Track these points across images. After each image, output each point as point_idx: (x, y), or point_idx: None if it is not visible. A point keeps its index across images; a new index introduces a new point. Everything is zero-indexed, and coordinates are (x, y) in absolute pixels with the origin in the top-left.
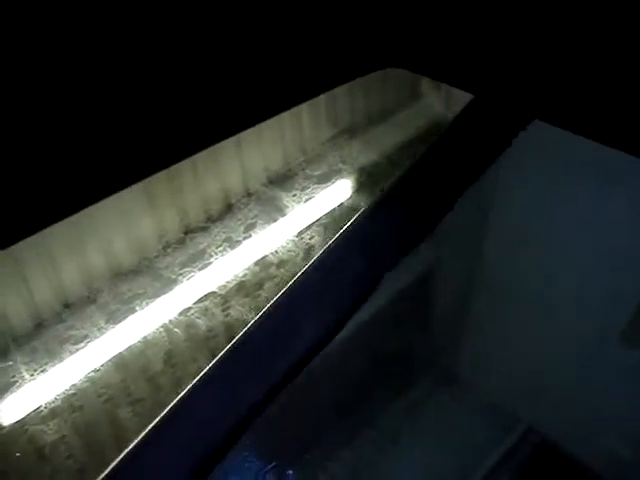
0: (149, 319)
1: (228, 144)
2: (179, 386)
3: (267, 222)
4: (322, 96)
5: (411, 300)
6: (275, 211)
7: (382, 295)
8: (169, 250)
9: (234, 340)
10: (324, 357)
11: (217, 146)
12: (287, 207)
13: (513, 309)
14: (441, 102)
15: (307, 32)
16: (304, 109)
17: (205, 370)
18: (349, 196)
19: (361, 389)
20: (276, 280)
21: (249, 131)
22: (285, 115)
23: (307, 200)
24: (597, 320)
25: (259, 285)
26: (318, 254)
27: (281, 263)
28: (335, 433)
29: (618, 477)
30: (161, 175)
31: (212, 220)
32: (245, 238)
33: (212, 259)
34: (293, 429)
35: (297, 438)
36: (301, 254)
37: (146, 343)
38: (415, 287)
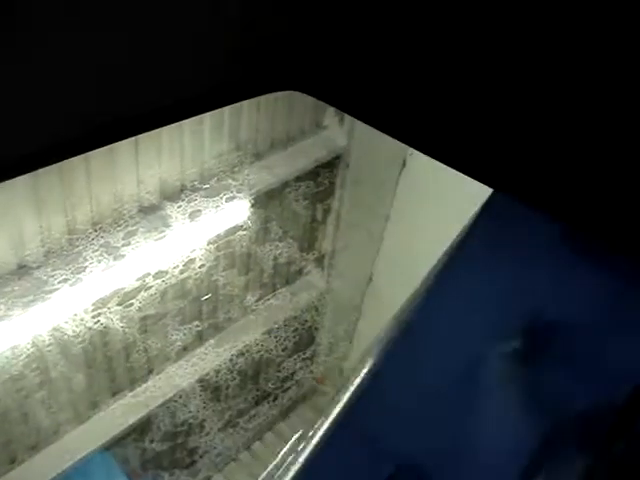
0: (15, 321)
1: (125, 150)
2: (37, 391)
3: (149, 231)
4: (227, 117)
5: (297, 329)
6: (158, 220)
7: (267, 323)
8: (46, 252)
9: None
10: (209, 380)
11: (114, 151)
12: (171, 217)
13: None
14: (344, 135)
15: (203, 43)
16: (207, 126)
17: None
18: (235, 212)
19: (243, 416)
20: (151, 291)
21: (148, 141)
22: (187, 130)
23: (192, 212)
24: None
25: (133, 294)
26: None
27: (158, 274)
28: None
29: None
30: (54, 177)
31: (94, 224)
32: (124, 245)
33: (87, 264)
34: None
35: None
36: (180, 266)
37: (10, 345)
38: (303, 317)
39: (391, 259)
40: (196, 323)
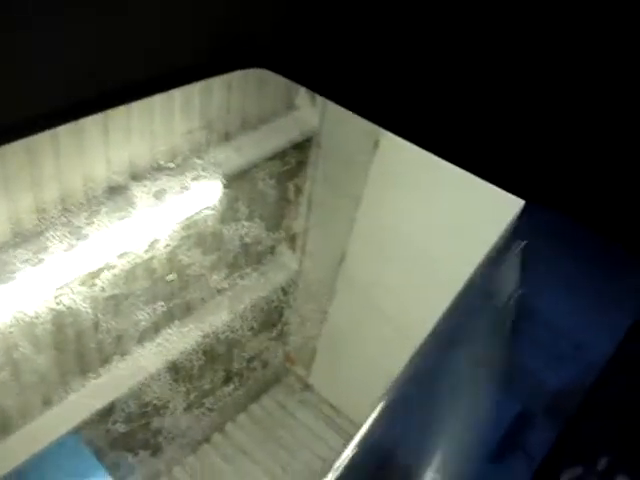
0: None
1: (94, 130)
2: None
3: (114, 211)
4: (197, 97)
5: (268, 310)
6: (124, 200)
7: (240, 304)
8: (10, 232)
9: None
10: (180, 363)
11: (82, 131)
12: (136, 197)
13: (369, 321)
14: (316, 115)
15: (173, 20)
16: (177, 106)
17: None
18: (203, 193)
19: (213, 396)
20: (115, 271)
21: (117, 121)
22: (157, 110)
23: (158, 192)
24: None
25: (97, 274)
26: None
27: (122, 254)
28: (183, 440)
29: None
30: (22, 156)
31: (59, 204)
32: (88, 225)
33: (50, 244)
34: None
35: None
36: (144, 246)
37: None
38: (272, 297)
39: (364, 239)
40: (161, 303)
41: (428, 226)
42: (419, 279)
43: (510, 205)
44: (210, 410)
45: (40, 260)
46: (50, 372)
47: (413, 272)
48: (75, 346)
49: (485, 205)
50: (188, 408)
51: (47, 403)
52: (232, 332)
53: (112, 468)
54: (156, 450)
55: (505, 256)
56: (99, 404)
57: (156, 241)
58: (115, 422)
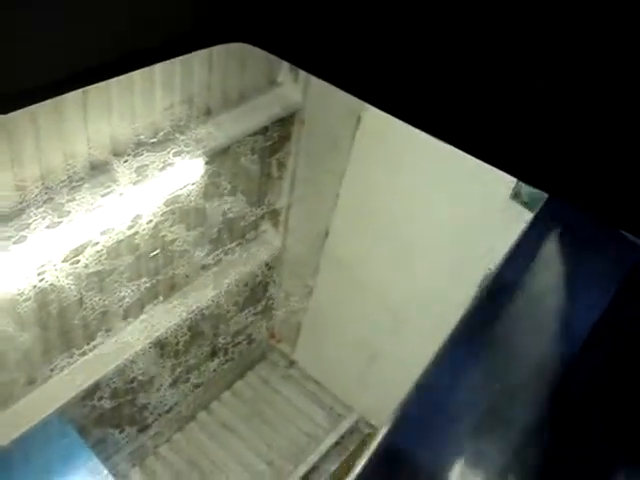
0: None
1: (74, 105)
2: None
3: (95, 187)
4: (178, 73)
5: (252, 286)
6: (105, 176)
7: (224, 280)
8: None
9: None
10: (165, 339)
11: (62, 106)
12: (118, 173)
13: (353, 298)
14: (298, 91)
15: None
16: (158, 82)
17: None
18: (184, 169)
19: (198, 371)
20: (97, 247)
21: (97, 97)
22: (138, 86)
23: (140, 168)
24: (430, 317)
25: (79, 251)
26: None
27: (105, 230)
28: (168, 418)
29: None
30: (1, 134)
31: (40, 181)
32: (69, 201)
33: (31, 221)
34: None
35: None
36: (127, 222)
37: None
38: (257, 273)
39: (347, 216)
40: (145, 280)
41: (411, 202)
42: (403, 256)
43: (495, 181)
44: (196, 386)
45: (22, 238)
46: (34, 350)
47: (397, 249)
48: (59, 323)
49: (470, 180)
50: (173, 384)
51: (31, 382)
52: (217, 308)
53: (98, 447)
54: (142, 428)
55: (526, 248)
56: (84, 382)
57: (139, 217)
58: (101, 399)
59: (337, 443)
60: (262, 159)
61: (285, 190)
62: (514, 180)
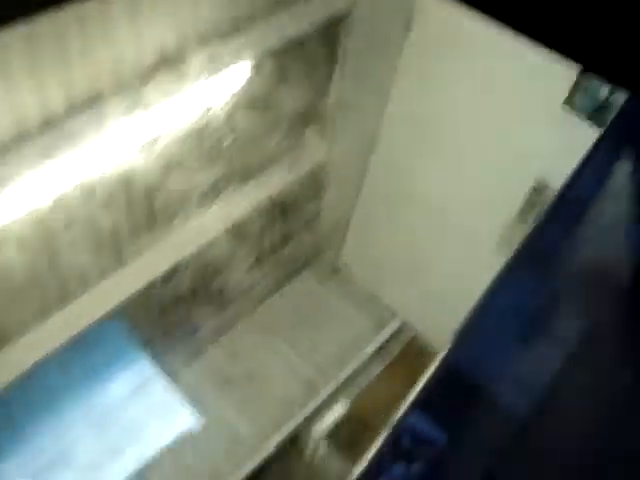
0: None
1: (121, 18)
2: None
3: (167, 79)
4: None
5: (299, 193)
6: (175, 71)
7: (272, 187)
8: (24, 137)
9: None
10: (211, 245)
11: (110, 18)
12: (188, 66)
13: (400, 206)
14: None
15: None
16: None
17: None
18: (242, 68)
19: (244, 278)
20: (172, 135)
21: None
22: None
23: (209, 57)
24: (477, 224)
25: (155, 138)
26: None
27: (177, 120)
28: (218, 320)
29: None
30: (49, 43)
31: (111, 74)
32: (144, 91)
33: (108, 110)
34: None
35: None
36: (200, 111)
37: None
38: (304, 180)
39: (398, 122)
40: (219, 167)
41: (461, 108)
42: (452, 162)
43: (548, 87)
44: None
45: (100, 125)
46: (115, 232)
47: (446, 155)
48: (138, 208)
49: (522, 85)
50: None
51: (107, 267)
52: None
53: (151, 345)
54: (196, 325)
55: (594, 167)
56: (160, 267)
57: (210, 108)
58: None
59: (381, 348)
60: (313, 61)
61: (335, 92)
62: (567, 87)
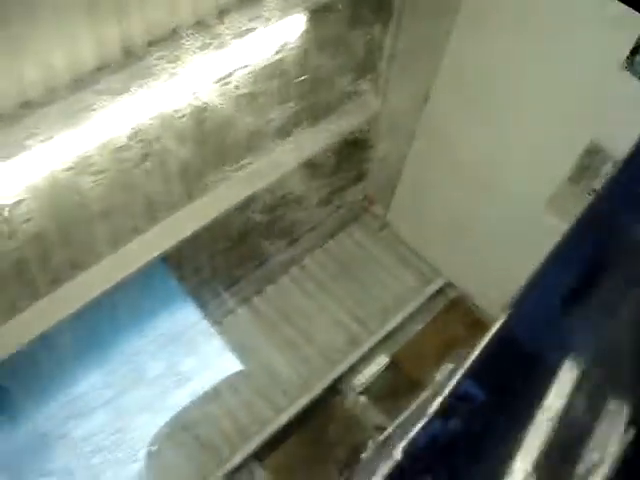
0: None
1: None
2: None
3: (244, 16)
4: None
5: (348, 148)
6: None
7: (320, 141)
8: (105, 70)
9: None
10: (257, 198)
11: None
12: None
13: (448, 165)
14: None
15: None
16: None
17: None
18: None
19: (293, 233)
20: (247, 70)
21: None
22: None
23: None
24: (526, 185)
25: (230, 73)
26: None
27: (253, 56)
28: (263, 271)
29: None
30: None
31: (153, 44)
32: (219, 26)
33: (185, 43)
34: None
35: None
36: (275, 47)
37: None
38: (359, 130)
39: (448, 83)
40: (292, 103)
41: (514, 72)
42: (502, 127)
43: (605, 51)
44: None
45: (176, 58)
46: (190, 165)
47: (496, 119)
48: (212, 141)
49: (578, 48)
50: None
51: (178, 201)
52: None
53: (195, 293)
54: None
55: None
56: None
57: (286, 44)
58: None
59: (424, 304)
60: (367, 19)
61: (387, 52)
62: (627, 48)
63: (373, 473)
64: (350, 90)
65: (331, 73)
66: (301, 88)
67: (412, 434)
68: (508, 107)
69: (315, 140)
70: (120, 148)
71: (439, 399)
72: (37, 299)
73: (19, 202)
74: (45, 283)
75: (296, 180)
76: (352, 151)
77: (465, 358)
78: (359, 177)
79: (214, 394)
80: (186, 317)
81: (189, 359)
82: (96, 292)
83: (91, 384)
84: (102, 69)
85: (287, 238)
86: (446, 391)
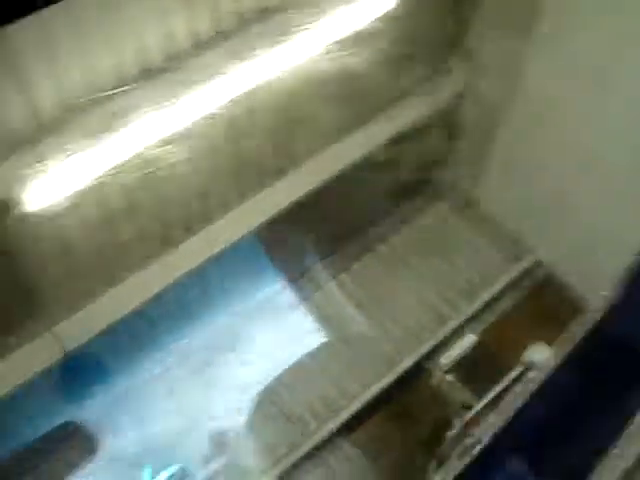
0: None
1: None
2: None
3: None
4: None
5: (436, 126)
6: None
7: (408, 118)
8: (198, 50)
9: None
10: (343, 177)
11: None
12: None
13: (539, 144)
14: None
15: None
16: None
17: None
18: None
19: (378, 211)
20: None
21: None
22: None
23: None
24: (630, 171)
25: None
26: None
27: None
28: (349, 248)
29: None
30: None
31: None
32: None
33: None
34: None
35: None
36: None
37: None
38: (443, 113)
39: (545, 55)
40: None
41: (614, 43)
42: (599, 100)
43: None
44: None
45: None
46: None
47: (594, 91)
48: (279, 135)
49: None
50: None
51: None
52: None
53: (282, 269)
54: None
55: None
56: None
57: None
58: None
59: (512, 284)
60: None
61: (480, 22)
62: None
63: (462, 452)
64: (441, 65)
65: (426, 46)
66: (397, 57)
67: (503, 416)
68: (608, 79)
69: (407, 114)
70: (200, 134)
71: (534, 384)
72: (136, 271)
73: None
74: (141, 257)
75: (389, 152)
76: (441, 126)
77: (561, 344)
78: (447, 153)
79: (301, 369)
80: (275, 291)
81: (277, 334)
82: (192, 265)
83: (183, 354)
84: (172, 57)
85: (374, 216)
86: (542, 376)
